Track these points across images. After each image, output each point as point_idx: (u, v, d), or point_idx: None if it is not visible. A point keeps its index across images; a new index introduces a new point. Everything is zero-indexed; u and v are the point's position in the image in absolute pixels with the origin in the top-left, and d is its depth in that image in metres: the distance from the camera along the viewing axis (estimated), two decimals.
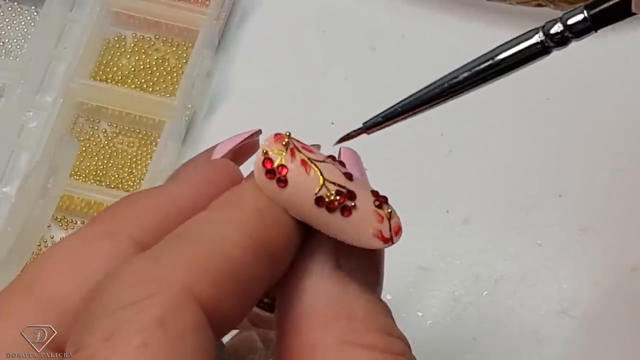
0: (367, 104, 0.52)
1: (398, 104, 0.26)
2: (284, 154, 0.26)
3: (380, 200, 0.26)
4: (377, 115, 0.27)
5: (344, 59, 0.54)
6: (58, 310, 0.24)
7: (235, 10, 0.55)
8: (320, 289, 0.26)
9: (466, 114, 0.51)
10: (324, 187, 0.25)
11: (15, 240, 0.43)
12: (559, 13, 0.52)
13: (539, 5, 0.52)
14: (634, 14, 0.26)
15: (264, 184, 0.26)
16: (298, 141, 0.26)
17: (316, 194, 0.25)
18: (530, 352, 0.47)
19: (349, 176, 0.26)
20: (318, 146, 0.28)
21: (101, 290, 0.23)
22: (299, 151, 0.26)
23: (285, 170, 0.26)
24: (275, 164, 0.26)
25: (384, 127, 0.27)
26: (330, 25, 0.54)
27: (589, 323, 0.47)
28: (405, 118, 0.27)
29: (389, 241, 0.26)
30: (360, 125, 0.27)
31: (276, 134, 0.26)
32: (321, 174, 0.26)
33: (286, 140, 0.26)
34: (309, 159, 0.26)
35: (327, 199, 0.25)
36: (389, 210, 0.26)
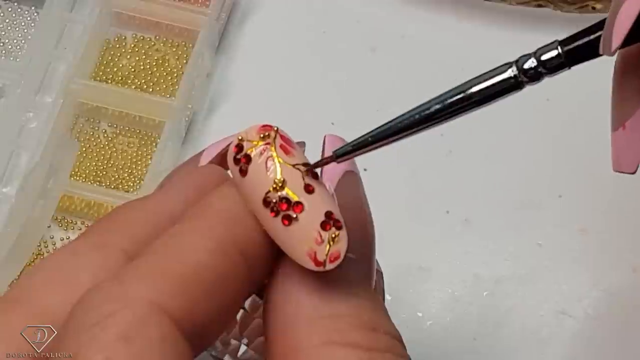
0: (367, 104, 0.53)
1: (368, 133, 0.26)
2: (257, 146, 0.26)
3: (330, 223, 0.25)
4: (348, 144, 0.27)
5: (344, 59, 0.54)
6: (47, 323, 0.24)
7: (235, 11, 0.55)
8: (302, 289, 0.25)
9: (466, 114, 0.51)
10: (275, 189, 0.25)
11: (15, 240, 0.43)
12: (558, 14, 0.52)
13: (539, 5, 0.52)
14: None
15: (231, 167, 0.26)
16: (283, 137, 0.26)
17: (266, 193, 0.25)
18: (531, 352, 0.47)
19: (308, 188, 0.25)
20: (303, 143, 0.28)
21: (71, 314, 0.23)
22: (274, 148, 0.26)
23: (245, 161, 0.26)
24: (242, 153, 0.26)
25: (354, 156, 0.27)
26: (330, 25, 0.54)
27: (589, 323, 0.47)
28: (376, 148, 0.27)
29: (321, 265, 0.25)
30: (331, 153, 0.27)
31: (263, 125, 0.26)
32: (279, 177, 0.25)
33: (267, 133, 0.26)
34: (278, 158, 0.26)
35: (272, 202, 0.25)
36: (334, 235, 0.25)
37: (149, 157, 0.51)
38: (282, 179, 0.25)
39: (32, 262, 0.47)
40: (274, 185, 0.25)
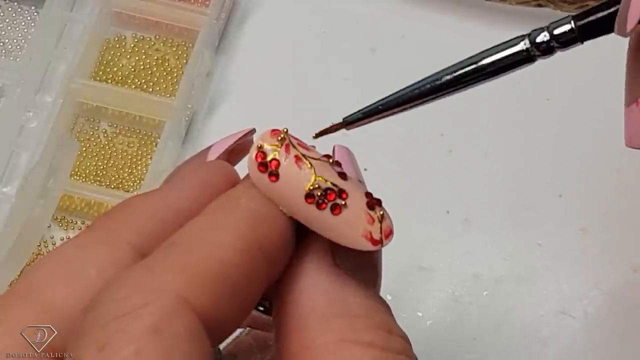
0: (367, 104, 0.53)
1: (379, 101, 0.26)
2: (279, 149, 0.26)
3: (373, 202, 0.26)
4: (358, 112, 0.26)
5: (344, 59, 0.54)
6: (54, 317, 0.24)
7: (235, 10, 0.55)
8: (318, 288, 0.26)
9: (466, 114, 0.51)
10: (315, 183, 0.25)
11: (15, 240, 0.43)
12: (558, 13, 0.52)
13: (539, 5, 0.52)
14: None
15: (257, 177, 0.26)
16: (295, 138, 0.26)
17: (307, 189, 0.25)
18: (531, 352, 0.47)
19: (342, 176, 0.26)
20: (313, 147, 0.28)
21: (96, 302, 0.23)
22: (294, 147, 0.26)
23: (276, 164, 0.26)
24: (268, 158, 0.26)
25: (364, 124, 0.27)
26: (330, 25, 0.54)
27: (589, 323, 0.47)
28: (385, 116, 0.26)
29: (378, 243, 0.26)
30: (341, 120, 0.27)
31: (273, 130, 0.26)
32: (314, 171, 0.26)
33: (282, 136, 0.26)
34: (303, 155, 0.26)
35: (317, 196, 0.25)
36: (381, 213, 0.26)
37: (149, 157, 0.51)
38: (317, 173, 0.26)
39: (32, 262, 0.47)
40: (313, 180, 0.25)
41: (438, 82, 0.26)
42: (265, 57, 0.54)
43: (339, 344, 0.24)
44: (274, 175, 0.26)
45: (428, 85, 0.26)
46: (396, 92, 0.26)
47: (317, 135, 0.26)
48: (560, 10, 0.52)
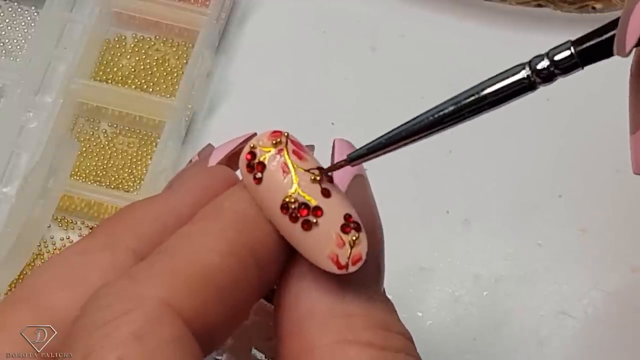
0: (367, 104, 0.53)
1: (383, 136, 0.26)
2: (269, 152, 0.26)
3: (350, 226, 0.25)
4: (362, 147, 0.26)
5: (344, 59, 0.54)
6: (55, 322, 0.24)
7: (235, 11, 0.55)
8: (315, 289, 0.26)
9: None
10: (292, 195, 0.25)
11: (15, 240, 0.43)
12: (558, 14, 0.52)
13: (539, 5, 0.52)
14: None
15: (245, 175, 0.26)
16: (295, 142, 0.26)
17: (283, 200, 0.25)
18: (530, 352, 0.47)
19: (325, 192, 0.26)
20: (312, 147, 0.28)
21: (82, 312, 0.23)
22: (287, 154, 0.26)
23: (261, 167, 0.26)
24: (255, 160, 0.26)
25: (368, 159, 0.27)
26: (330, 25, 0.54)
27: (589, 323, 0.47)
28: (390, 151, 0.26)
29: (344, 268, 0.25)
30: (345, 158, 0.27)
31: (274, 131, 0.26)
32: (296, 183, 0.25)
33: (279, 139, 0.26)
34: (292, 164, 0.26)
35: (291, 208, 0.25)
36: (354, 238, 0.25)
37: (149, 157, 0.51)
38: (299, 185, 0.25)
39: (32, 262, 0.47)
40: (292, 191, 0.25)
41: (441, 114, 0.26)
42: (265, 57, 0.54)
43: (336, 345, 0.24)
44: (257, 178, 0.26)
45: (431, 118, 0.26)
46: (400, 126, 0.26)
47: (325, 172, 0.26)
48: (561, 10, 0.52)
